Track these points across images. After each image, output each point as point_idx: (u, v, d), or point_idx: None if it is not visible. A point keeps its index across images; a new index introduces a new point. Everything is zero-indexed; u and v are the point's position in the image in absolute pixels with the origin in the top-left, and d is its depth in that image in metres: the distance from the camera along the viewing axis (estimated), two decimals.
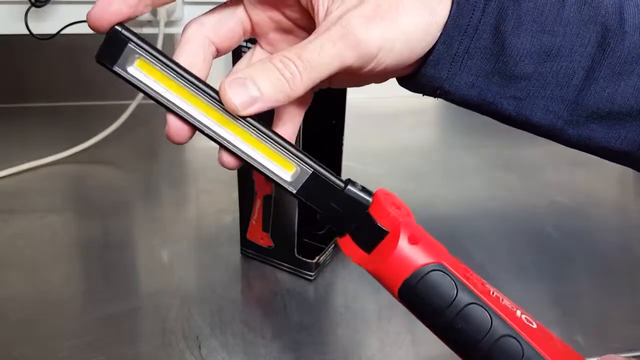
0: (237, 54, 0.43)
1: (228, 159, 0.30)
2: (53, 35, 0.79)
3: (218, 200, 0.72)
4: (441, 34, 0.30)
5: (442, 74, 0.31)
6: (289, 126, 0.33)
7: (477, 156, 0.89)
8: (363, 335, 0.53)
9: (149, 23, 0.88)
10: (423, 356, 0.50)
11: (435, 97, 0.33)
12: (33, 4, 0.78)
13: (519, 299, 0.31)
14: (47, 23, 0.81)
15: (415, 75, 0.32)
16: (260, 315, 0.53)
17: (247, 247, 0.61)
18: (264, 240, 0.59)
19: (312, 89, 0.34)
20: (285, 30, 0.33)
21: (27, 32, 0.79)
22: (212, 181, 0.77)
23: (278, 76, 0.27)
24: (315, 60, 0.27)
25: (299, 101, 0.33)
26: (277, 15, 0.32)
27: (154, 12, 0.85)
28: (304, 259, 0.57)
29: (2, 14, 0.80)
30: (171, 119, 0.29)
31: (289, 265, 0.59)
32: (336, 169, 0.59)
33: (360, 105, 0.77)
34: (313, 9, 0.30)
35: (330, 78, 0.34)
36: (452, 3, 0.29)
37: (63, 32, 0.79)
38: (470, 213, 0.73)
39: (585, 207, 0.76)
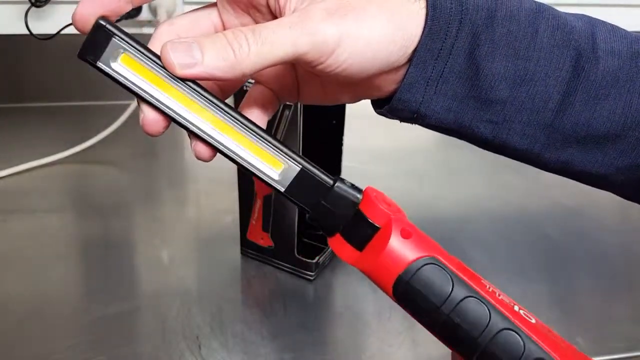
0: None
1: (202, 148, 0.29)
2: (53, 35, 0.79)
3: (218, 200, 0.72)
4: (413, 56, 0.29)
5: (417, 98, 0.31)
6: None
7: (477, 156, 0.88)
8: (363, 335, 0.53)
9: (149, 23, 0.89)
10: (423, 356, 0.50)
11: (412, 122, 0.33)
12: (33, 4, 0.78)
13: (518, 299, 0.31)
14: (47, 23, 0.81)
15: (391, 101, 0.32)
16: (260, 315, 0.53)
17: (247, 247, 0.61)
18: (264, 240, 0.59)
19: (278, 96, 0.33)
20: None
21: (27, 32, 0.79)
22: (212, 181, 0.77)
23: (225, 44, 0.27)
24: (269, 37, 0.27)
25: (261, 105, 0.32)
26: (249, 22, 0.32)
27: (154, 12, 0.85)
28: (304, 259, 0.57)
29: (2, 14, 0.80)
30: (148, 111, 0.28)
31: (289, 265, 0.59)
32: (336, 169, 0.59)
33: (360, 105, 0.77)
34: (281, 13, 0.30)
35: (298, 87, 0.34)
36: (425, 25, 0.29)
37: (63, 32, 0.79)
38: (471, 213, 0.73)
39: (585, 207, 0.76)
